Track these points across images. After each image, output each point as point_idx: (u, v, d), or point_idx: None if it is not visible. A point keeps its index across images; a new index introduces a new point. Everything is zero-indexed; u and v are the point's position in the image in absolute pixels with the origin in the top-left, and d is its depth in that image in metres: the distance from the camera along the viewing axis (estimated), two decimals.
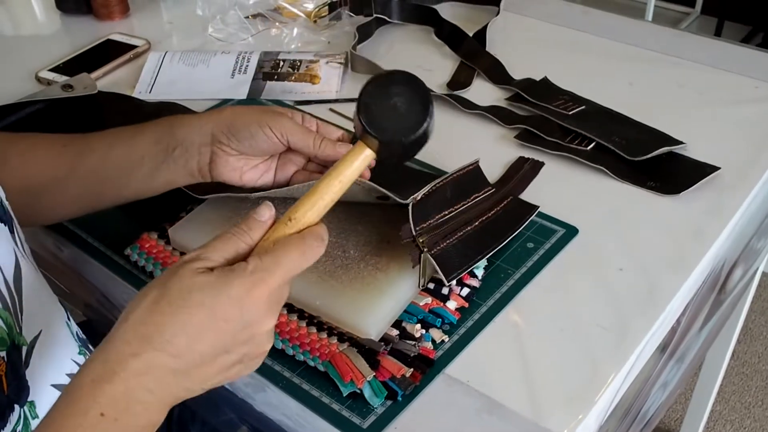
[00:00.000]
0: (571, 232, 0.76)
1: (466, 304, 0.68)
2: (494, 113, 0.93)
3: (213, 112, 0.67)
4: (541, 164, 0.85)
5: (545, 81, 0.99)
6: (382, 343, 0.63)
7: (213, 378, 0.48)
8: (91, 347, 0.73)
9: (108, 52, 1.08)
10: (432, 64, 1.06)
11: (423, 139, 0.60)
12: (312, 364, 0.63)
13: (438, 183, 0.70)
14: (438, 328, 0.66)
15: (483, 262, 0.71)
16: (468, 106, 0.95)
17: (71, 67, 1.04)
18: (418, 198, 0.66)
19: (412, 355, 0.63)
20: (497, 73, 1.01)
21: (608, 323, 0.66)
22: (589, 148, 0.86)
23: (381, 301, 0.64)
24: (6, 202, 0.61)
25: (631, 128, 0.89)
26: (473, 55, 1.05)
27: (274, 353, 0.64)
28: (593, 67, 1.03)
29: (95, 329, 0.86)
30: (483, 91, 0.99)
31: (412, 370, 0.62)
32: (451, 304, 0.67)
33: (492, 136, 0.90)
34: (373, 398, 0.60)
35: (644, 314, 0.67)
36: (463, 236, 0.71)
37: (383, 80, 0.60)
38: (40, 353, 0.62)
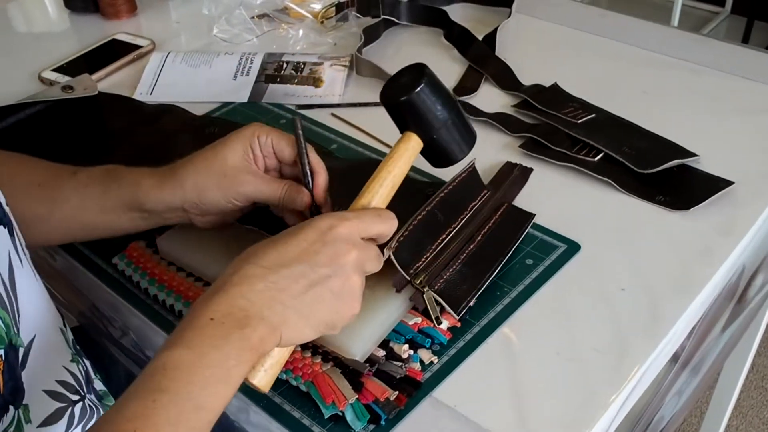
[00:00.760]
0: (573, 248, 0.73)
1: (458, 324, 0.65)
2: (500, 120, 0.90)
3: (176, 184, 0.65)
4: (529, 170, 0.83)
5: (555, 87, 0.96)
6: (367, 365, 0.60)
7: (302, 295, 0.52)
8: (84, 357, 0.72)
9: (112, 52, 1.07)
10: (439, 67, 1.00)
11: (440, 107, 0.63)
12: (294, 383, 0.61)
13: (424, 209, 0.67)
14: (427, 348, 0.63)
15: None
16: (472, 112, 0.92)
17: (74, 67, 1.03)
18: (394, 245, 0.63)
19: (398, 377, 0.60)
20: (505, 79, 0.98)
21: (607, 347, 0.63)
22: (596, 159, 0.83)
23: (367, 321, 0.62)
24: (6, 207, 0.60)
25: (643, 138, 0.86)
26: (482, 60, 1.02)
27: None
28: (606, 73, 0.99)
29: (88, 335, 0.85)
30: (490, 97, 0.96)
31: (397, 393, 0.59)
32: (443, 324, 0.65)
33: (496, 145, 0.87)
34: (355, 422, 0.58)
35: (645, 339, 0.64)
36: (465, 258, 0.68)
37: (395, 75, 0.66)
38: (35, 357, 0.61)
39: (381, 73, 0.98)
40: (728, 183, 0.79)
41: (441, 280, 0.65)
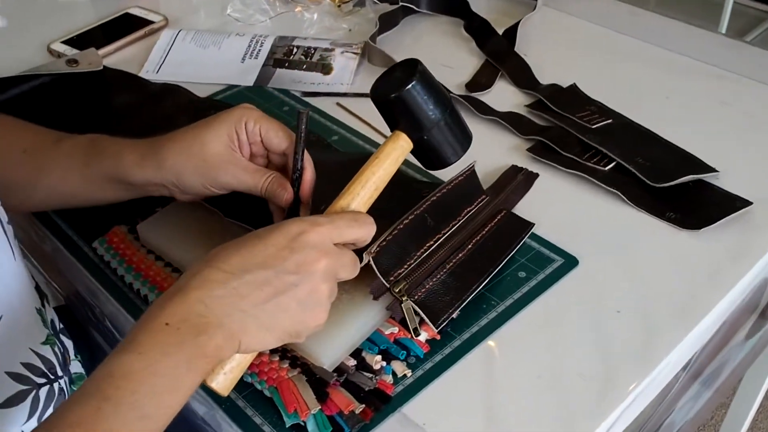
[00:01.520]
0: (571, 262, 0.69)
1: (438, 336, 0.62)
2: (510, 121, 0.86)
3: (156, 164, 0.62)
4: (535, 175, 0.78)
5: (573, 88, 0.91)
6: (335, 374, 0.58)
7: (265, 303, 0.50)
8: (64, 336, 0.71)
9: (124, 26, 1.05)
10: (456, 61, 0.99)
11: (431, 104, 0.60)
12: (259, 387, 0.58)
13: (413, 213, 0.64)
14: (402, 360, 0.60)
15: None
16: (483, 110, 0.88)
17: (84, 40, 1.02)
18: (375, 250, 0.60)
19: (366, 389, 0.57)
20: (522, 76, 0.94)
21: (593, 374, 0.59)
22: (607, 168, 0.79)
23: (340, 328, 0.59)
24: None
25: (660, 149, 0.81)
26: (499, 55, 0.97)
27: None
28: (631, 76, 0.94)
29: (74, 317, 0.84)
30: (504, 95, 0.92)
31: (363, 406, 0.56)
32: (421, 336, 0.61)
33: (504, 146, 0.83)
34: None
35: (635, 368, 0.60)
36: (452, 267, 0.65)
37: (388, 70, 0.63)
38: None
39: (392, 64, 0.94)
40: (746, 203, 0.74)
41: (423, 290, 0.62)
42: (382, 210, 0.69)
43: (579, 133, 0.83)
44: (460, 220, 0.69)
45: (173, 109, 0.89)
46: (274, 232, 0.52)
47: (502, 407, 0.57)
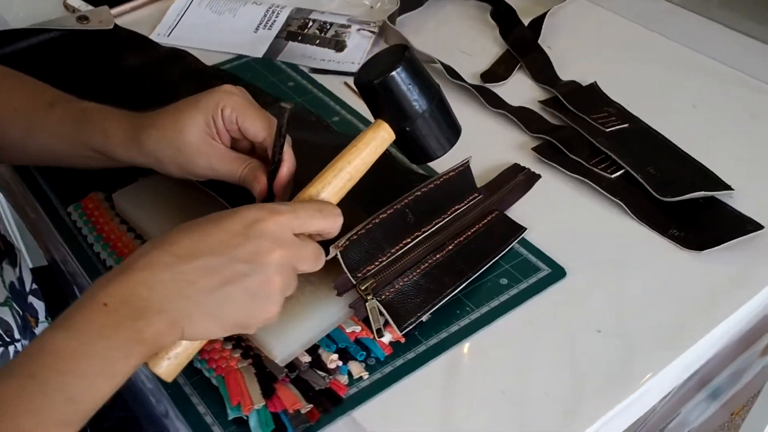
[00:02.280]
0: (557, 274, 0.65)
1: (403, 339, 0.59)
2: (520, 116, 0.82)
3: (138, 147, 0.60)
4: (536, 177, 0.74)
5: (593, 87, 0.86)
6: (285, 370, 0.55)
7: (212, 291, 0.47)
8: (35, 297, 0.71)
9: None
10: (476, 48, 0.94)
11: (415, 93, 0.56)
12: (207, 375, 0.56)
13: (392, 207, 0.61)
14: (360, 361, 0.57)
15: None
16: (493, 103, 0.83)
17: None
18: (343, 243, 0.57)
19: (317, 388, 0.55)
20: (541, 70, 0.89)
21: (560, 395, 0.56)
22: (614, 175, 0.74)
23: (298, 321, 0.57)
24: None
25: (674, 160, 0.76)
26: (521, 45, 0.93)
27: None
28: (657, 78, 0.89)
29: (55, 279, 0.83)
30: (519, 88, 0.87)
31: (311, 406, 0.54)
32: (385, 337, 0.58)
33: (509, 143, 0.79)
34: (258, 430, 0.53)
35: (606, 394, 0.56)
36: (427, 268, 0.62)
37: (375, 55, 0.60)
38: None
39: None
40: (758, 227, 0.68)
41: (391, 290, 0.59)
42: (366, 199, 0.66)
43: (590, 136, 0.78)
44: (445, 218, 0.65)
45: (178, 77, 0.87)
46: (230, 217, 0.49)
47: (458, 421, 0.54)
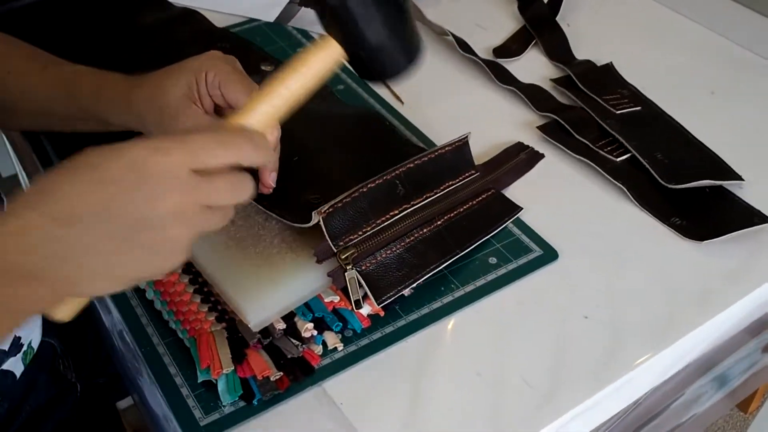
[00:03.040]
0: (550, 255, 0.63)
1: (382, 313, 0.58)
2: (529, 94, 0.79)
3: (128, 110, 0.59)
4: (539, 156, 0.72)
5: (608, 68, 0.83)
6: (258, 335, 0.54)
7: (98, 255, 0.41)
8: None
9: None
10: (492, 22, 0.92)
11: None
12: (180, 336, 0.56)
13: (382, 177, 0.59)
14: (336, 332, 0.56)
15: None
16: (503, 78, 0.81)
17: None
18: (326, 209, 0.55)
19: (289, 356, 0.54)
20: (556, 48, 0.86)
21: (538, 381, 0.54)
22: (619, 159, 0.71)
23: (275, 286, 0.56)
24: None
25: (685, 147, 0.73)
26: (538, 22, 0.90)
27: (152, 313, 0.58)
28: (677, 61, 0.85)
29: None
30: (532, 65, 0.85)
31: (281, 374, 0.53)
32: (364, 309, 0.57)
33: (515, 120, 0.77)
34: (225, 394, 0.52)
35: (584, 384, 0.54)
36: (412, 242, 0.60)
37: None
38: None
39: (423, 19, 0.89)
40: (765, 219, 0.65)
41: (373, 261, 0.58)
42: (357, 168, 0.65)
43: (600, 117, 0.75)
44: (436, 193, 0.64)
45: (188, 37, 0.86)
46: (110, 161, 0.41)
47: (429, 400, 0.53)
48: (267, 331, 0.55)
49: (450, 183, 0.65)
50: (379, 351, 0.56)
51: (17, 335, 0.62)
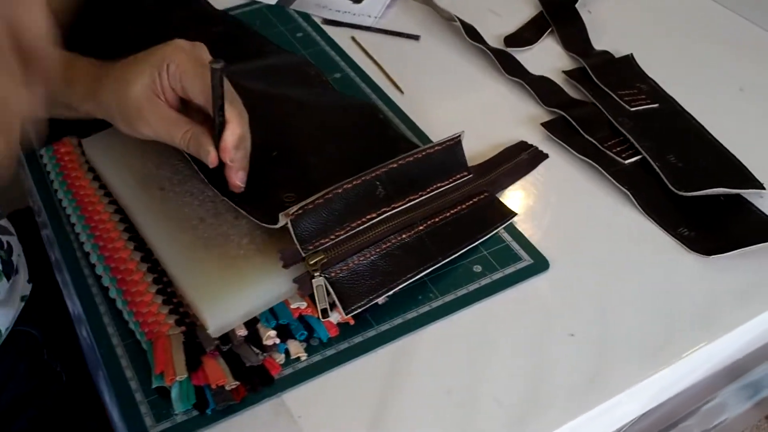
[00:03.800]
0: (540, 265, 0.58)
1: (352, 321, 0.54)
2: (537, 87, 0.74)
3: (97, 103, 0.57)
4: (543, 156, 0.67)
5: (627, 60, 0.78)
6: (217, 341, 0.52)
7: None
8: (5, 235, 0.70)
9: None
10: (507, 8, 0.87)
11: None
12: (138, 338, 0.53)
13: (362, 177, 0.56)
14: (300, 341, 0.53)
15: None
16: (511, 70, 0.76)
17: None
18: (295, 211, 0.52)
19: (248, 364, 0.51)
20: (573, 37, 0.81)
21: (512, 403, 0.50)
22: (628, 161, 0.66)
23: (239, 290, 0.53)
24: None
25: (702, 150, 0.67)
26: (556, 8, 0.84)
27: (114, 312, 0.55)
28: (705, 54, 0.79)
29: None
30: (546, 56, 0.79)
31: (237, 383, 0.50)
32: (333, 317, 0.54)
33: (520, 115, 0.72)
34: (178, 403, 0.50)
35: (561, 407, 0.50)
36: (389, 248, 0.56)
37: None
38: None
39: (430, 3, 0.84)
40: None
41: (344, 268, 0.54)
42: (343, 163, 0.62)
43: (612, 114, 0.70)
44: (422, 196, 0.60)
45: (183, 20, 0.83)
46: None
47: (393, 418, 0.50)
48: (227, 338, 0.52)
49: (438, 185, 0.61)
50: (346, 362, 0.53)
51: None
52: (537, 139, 0.69)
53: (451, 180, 0.62)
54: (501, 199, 0.63)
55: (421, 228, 0.58)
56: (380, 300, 0.55)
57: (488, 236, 0.60)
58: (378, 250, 0.56)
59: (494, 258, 0.59)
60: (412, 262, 0.56)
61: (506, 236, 0.61)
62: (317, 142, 0.65)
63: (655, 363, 0.52)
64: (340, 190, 0.55)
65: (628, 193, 0.64)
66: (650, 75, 0.76)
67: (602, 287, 0.57)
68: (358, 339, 0.54)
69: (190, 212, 0.58)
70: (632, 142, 0.67)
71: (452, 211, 0.60)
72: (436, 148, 0.61)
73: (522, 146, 0.68)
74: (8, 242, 0.70)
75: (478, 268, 0.58)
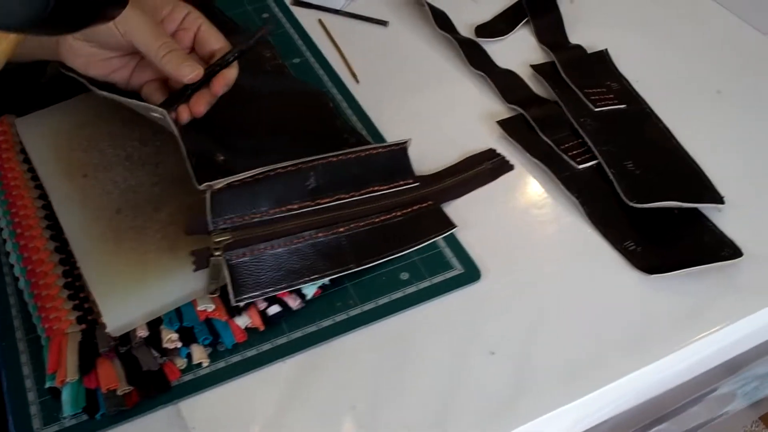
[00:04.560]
0: (470, 276, 0.55)
1: (262, 327, 0.52)
2: (501, 82, 0.70)
3: None
4: (508, 168, 0.63)
5: (601, 55, 0.73)
6: (113, 342, 0.50)
7: None
8: None
9: None
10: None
11: None
12: (39, 334, 0.52)
13: (296, 165, 0.53)
14: (204, 346, 0.51)
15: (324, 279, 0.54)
16: (476, 62, 0.72)
17: None
18: (221, 184, 0.49)
19: (145, 368, 0.49)
20: (548, 29, 0.76)
21: (418, 424, 0.47)
22: (582, 166, 0.62)
23: (143, 288, 0.51)
24: None
25: (664, 157, 0.63)
26: None
27: (22, 304, 0.54)
28: (689, 53, 0.74)
29: None
30: (517, 48, 0.75)
31: (132, 388, 0.48)
32: (242, 320, 0.52)
33: (480, 111, 0.68)
34: (67, 405, 0.48)
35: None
36: (301, 243, 0.53)
37: None
38: None
39: None
40: (735, 254, 0.55)
41: (248, 253, 0.51)
42: (286, 150, 0.59)
43: (573, 115, 0.66)
44: (354, 196, 0.57)
45: None
46: None
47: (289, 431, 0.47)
48: (127, 338, 0.50)
49: (377, 188, 0.58)
50: (250, 371, 0.50)
51: None
52: (492, 137, 0.66)
53: (393, 185, 0.58)
54: (452, 205, 0.60)
55: (341, 230, 0.55)
56: (294, 305, 0.53)
57: (417, 248, 0.57)
58: (288, 243, 0.53)
59: (424, 265, 0.56)
60: (321, 263, 0.53)
61: (440, 242, 0.57)
62: (258, 127, 0.62)
63: (576, 388, 0.49)
64: (272, 173, 0.53)
65: (576, 201, 0.60)
66: (625, 72, 0.71)
67: (534, 303, 0.54)
68: (266, 346, 0.51)
69: (108, 202, 0.56)
70: (590, 146, 0.63)
71: (384, 217, 0.57)
72: (380, 150, 0.58)
73: (488, 155, 0.64)
74: None
75: (405, 276, 0.55)
